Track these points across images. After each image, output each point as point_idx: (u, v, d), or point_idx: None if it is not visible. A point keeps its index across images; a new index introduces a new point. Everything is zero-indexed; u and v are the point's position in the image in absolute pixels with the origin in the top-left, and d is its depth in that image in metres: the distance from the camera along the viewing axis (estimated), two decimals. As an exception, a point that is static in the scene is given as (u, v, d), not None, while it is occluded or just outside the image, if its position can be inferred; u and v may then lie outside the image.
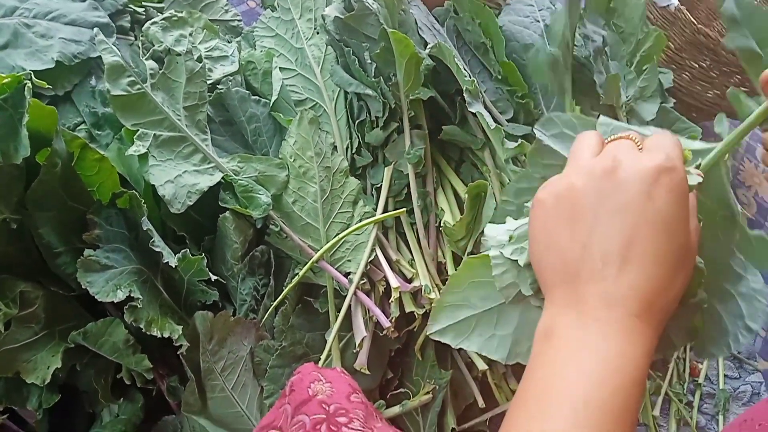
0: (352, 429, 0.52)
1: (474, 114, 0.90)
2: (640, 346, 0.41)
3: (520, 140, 0.87)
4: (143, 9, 0.89)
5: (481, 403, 0.93)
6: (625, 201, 0.43)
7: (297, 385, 0.57)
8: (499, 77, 0.98)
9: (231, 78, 0.85)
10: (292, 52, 0.94)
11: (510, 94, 0.98)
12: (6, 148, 0.57)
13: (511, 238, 0.52)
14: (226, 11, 1.10)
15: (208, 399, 0.78)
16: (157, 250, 0.69)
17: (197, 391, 0.77)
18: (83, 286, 0.66)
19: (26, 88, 0.57)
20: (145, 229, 0.69)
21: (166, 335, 0.70)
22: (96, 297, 0.66)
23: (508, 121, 0.97)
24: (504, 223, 0.55)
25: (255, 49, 0.94)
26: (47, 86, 0.59)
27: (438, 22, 1.04)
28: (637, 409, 0.41)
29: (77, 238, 0.69)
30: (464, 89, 0.86)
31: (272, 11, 0.97)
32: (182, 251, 0.72)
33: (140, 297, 0.68)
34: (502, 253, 0.52)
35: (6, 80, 0.56)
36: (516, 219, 0.55)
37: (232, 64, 0.87)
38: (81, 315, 0.72)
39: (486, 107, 0.92)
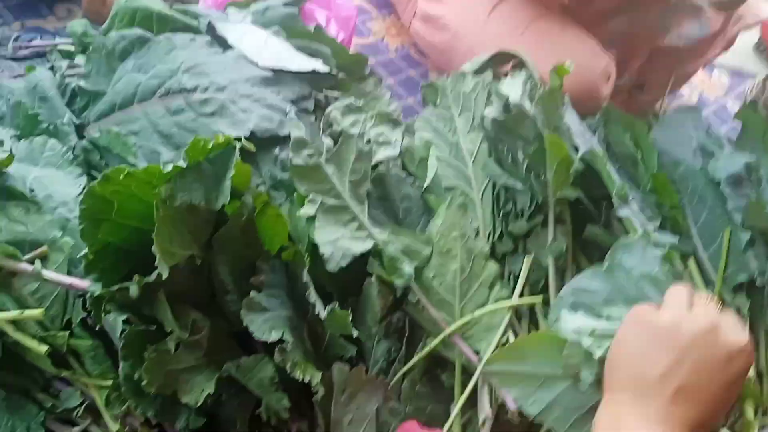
0: None
1: (619, 219, 0.94)
2: None
3: (667, 246, 0.89)
4: (324, 96, 1.04)
5: None
6: (714, 362, 0.59)
7: None
8: (648, 189, 1.01)
9: (392, 161, 0.96)
10: (447, 144, 1.04)
11: (658, 207, 1.01)
12: (209, 196, 0.70)
13: (593, 332, 0.67)
14: (389, 104, 1.24)
15: (332, 450, 0.84)
16: (312, 300, 0.78)
17: (324, 440, 0.83)
18: (244, 323, 0.76)
19: (234, 149, 0.69)
20: (304, 281, 0.78)
21: (306, 379, 0.77)
22: (254, 335, 0.76)
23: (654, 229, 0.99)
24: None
25: (414, 139, 1.05)
26: (253, 149, 0.72)
27: (589, 130, 1.11)
28: None
29: (245, 280, 0.79)
30: (614, 194, 0.90)
31: (434, 106, 1.08)
32: (331, 305, 0.80)
33: (290, 340, 0.77)
34: (580, 341, 0.67)
35: (220, 140, 0.69)
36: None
37: (393, 149, 0.98)
38: (234, 349, 0.81)
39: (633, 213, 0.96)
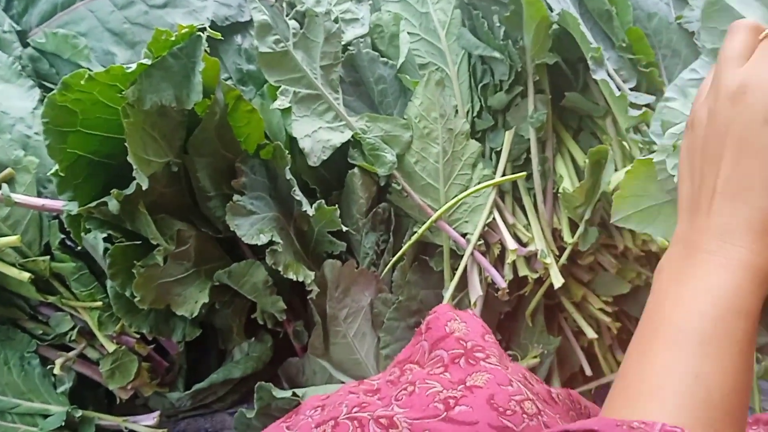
0: (490, 363, 0.58)
1: (596, 82, 0.93)
2: (749, 275, 0.42)
3: (643, 108, 0.90)
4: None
5: (588, 371, 0.98)
6: (744, 130, 0.43)
7: (433, 323, 0.63)
8: (624, 45, 1.00)
9: (361, 40, 0.92)
10: (416, 17, 1.00)
11: (633, 63, 1.01)
12: (179, 94, 0.66)
13: (674, 147, 0.54)
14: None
15: (330, 344, 0.86)
16: (297, 198, 0.77)
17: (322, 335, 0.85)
18: (231, 229, 0.75)
19: (200, 38, 0.65)
20: (287, 178, 0.77)
21: (300, 279, 0.78)
22: (242, 239, 0.75)
23: (630, 89, 1.00)
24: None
25: (382, 13, 1.00)
26: (220, 37, 0.67)
27: (561, -12, 1.08)
28: (745, 339, 0.41)
29: (226, 184, 0.78)
30: (588, 57, 0.90)
31: (398, -26, 1.03)
32: (317, 202, 0.80)
33: (280, 242, 0.76)
34: (665, 161, 0.54)
35: (183, 30, 0.64)
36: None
37: (362, 27, 0.94)
38: (223, 257, 0.81)
39: (609, 75, 0.95)
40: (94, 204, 0.68)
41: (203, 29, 0.65)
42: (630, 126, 0.92)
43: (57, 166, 0.66)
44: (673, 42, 1.04)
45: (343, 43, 0.92)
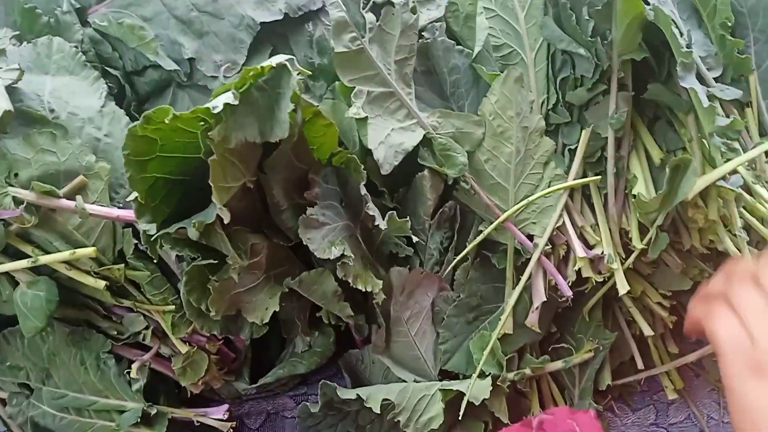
0: None
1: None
2: None
3: (732, 118, 0.88)
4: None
5: (640, 364, 1.02)
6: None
7: (550, 427, 0.66)
8: (719, 25, 0.97)
9: (437, 25, 0.89)
10: (493, -10, 0.96)
11: (721, 45, 0.97)
12: (263, 128, 0.66)
13: None
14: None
15: (392, 342, 0.91)
16: (371, 213, 0.79)
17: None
18: (304, 243, 0.77)
19: (285, 68, 0.64)
20: (362, 194, 0.78)
21: (368, 289, 0.81)
22: (315, 253, 0.77)
23: (715, 79, 0.97)
24: None
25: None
26: (309, 74, 0.66)
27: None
28: None
29: (298, 194, 0.79)
30: (678, 62, 0.86)
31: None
32: (389, 213, 0.81)
33: (351, 255, 0.79)
34: None
35: (273, 65, 0.63)
36: None
37: (437, 9, 0.90)
38: (293, 261, 0.84)
39: (697, 69, 0.92)
40: (173, 229, 0.70)
41: (290, 60, 0.64)
42: (714, 131, 0.90)
43: (137, 194, 0.67)
44: (768, 27, 1.00)
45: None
